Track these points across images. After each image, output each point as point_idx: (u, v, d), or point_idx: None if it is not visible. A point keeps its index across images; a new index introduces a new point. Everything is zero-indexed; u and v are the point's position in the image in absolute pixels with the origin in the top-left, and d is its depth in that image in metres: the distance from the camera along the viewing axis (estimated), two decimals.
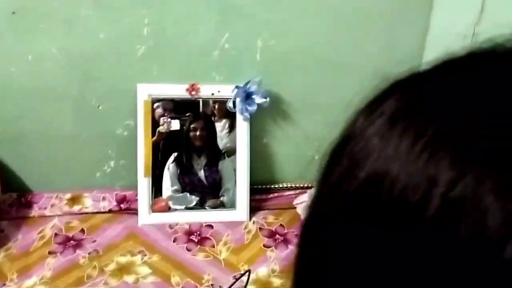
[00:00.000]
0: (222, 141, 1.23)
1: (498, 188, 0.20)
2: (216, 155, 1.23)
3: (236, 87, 1.18)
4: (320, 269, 0.29)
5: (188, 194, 1.22)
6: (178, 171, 1.22)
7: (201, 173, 1.24)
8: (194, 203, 1.23)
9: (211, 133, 1.23)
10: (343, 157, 0.28)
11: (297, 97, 1.26)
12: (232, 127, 1.22)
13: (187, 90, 1.19)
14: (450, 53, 0.27)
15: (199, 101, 1.21)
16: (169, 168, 1.21)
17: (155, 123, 1.20)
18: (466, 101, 0.23)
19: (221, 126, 1.23)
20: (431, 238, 0.21)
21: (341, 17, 1.19)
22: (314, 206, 0.30)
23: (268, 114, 1.27)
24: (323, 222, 0.28)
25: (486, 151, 0.21)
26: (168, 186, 1.21)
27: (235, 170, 1.23)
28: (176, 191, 1.22)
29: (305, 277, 0.31)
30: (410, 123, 0.24)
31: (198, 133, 1.22)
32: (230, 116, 1.22)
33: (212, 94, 1.20)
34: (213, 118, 1.22)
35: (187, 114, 1.21)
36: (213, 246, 1.15)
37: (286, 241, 1.17)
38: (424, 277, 0.22)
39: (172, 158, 1.21)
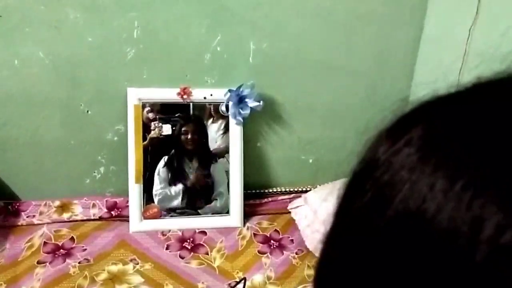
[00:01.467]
0: (216, 142, 1.21)
1: None
2: (208, 159, 1.21)
3: (229, 90, 1.16)
4: None
5: (180, 197, 1.20)
6: (169, 175, 1.19)
7: (193, 177, 1.21)
8: (187, 207, 1.20)
9: (203, 136, 1.20)
10: (367, 185, 0.26)
11: (290, 100, 1.25)
12: (227, 128, 1.20)
13: (179, 94, 1.17)
14: (480, 77, 0.25)
15: (189, 104, 1.18)
16: (159, 172, 1.19)
17: (145, 127, 1.17)
18: (507, 134, 0.21)
19: (216, 126, 1.20)
20: (478, 286, 0.19)
21: (334, 20, 1.17)
22: (336, 234, 0.28)
23: (261, 117, 1.25)
24: (348, 255, 0.26)
25: None
26: (159, 190, 1.19)
27: (226, 172, 1.21)
28: (167, 194, 1.20)
29: None
30: (445, 158, 0.22)
31: (189, 136, 1.20)
32: (226, 117, 1.20)
33: (204, 97, 1.18)
34: (211, 120, 1.20)
35: (177, 115, 1.18)
36: (207, 253, 1.12)
37: (281, 247, 1.15)
38: None
39: (162, 162, 1.19)
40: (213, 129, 1.20)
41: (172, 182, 1.20)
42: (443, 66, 1.16)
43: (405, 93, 1.29)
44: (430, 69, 1.22)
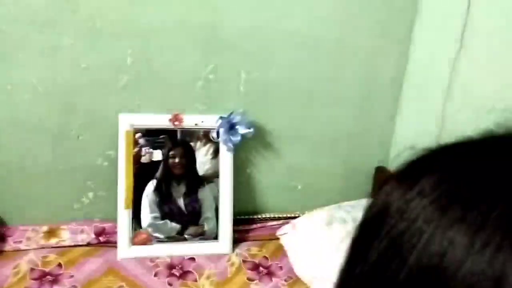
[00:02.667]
0: (204, 166, 1.21)
1: None
2: (196, 183, 1.22)
3: (220, 117, 1.18)
4: None
5: (168, 222, 1.20)
6: (158, 198, 1.19)
7: (180, 201, 1.21)
8: (175, 231, 1.20)
9: (191, 160, 1.21)
10: (381, 232, 0.26)
11: (280, 128, 1.27)
12: (216, 153, 1.21)
13: (171, 120, 1.18)
14: (488, 130, 0.26)
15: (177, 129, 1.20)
16: (148, 196, 1.19)
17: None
18: None
19: (205, 150, 1.21)
20: None
21: (323, 51, 1.21)
22: (352, 281, 0.28)
23: (252, 144, 1.26)
24: None
25: None
26: (147, 214, 1.19)
27: (214, 197, 1.22)
28: (155, 218, 1.19)
29: None
30: (463, 211, 0.22)
31: (177, 160, 1.20)
32: (215, 142, 1.21)
33: (196, 124, 1.20)
34: (199, 143, 1.20)
35: (161, 137, 1.18)
36: (196, 280, 1.12)
37: (270, 274, 1.15)
38: None
39: (150, 185, 1.19)
40: (202, 153, 1.21)
41: (160, 205, 1.20)
42: (427, 96, 1.20)
43: (391, 122, 1.32)
44: (415, 98, 1.26)
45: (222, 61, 1.17)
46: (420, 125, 1.24)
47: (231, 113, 1.18)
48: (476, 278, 0.21)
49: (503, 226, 0.21)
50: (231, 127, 1.18)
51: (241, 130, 1.18)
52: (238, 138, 1.18)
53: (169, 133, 1.19)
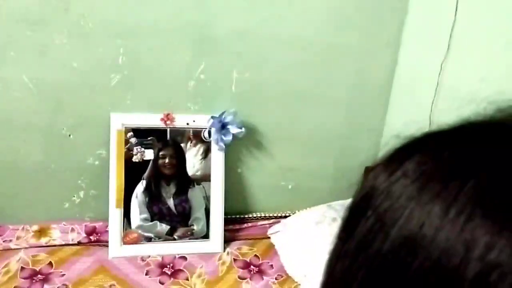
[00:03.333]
0: (194, 167, 1.22)
1: None
2: (185, 183, 1.22)
3: (212, 117, 1.19)
4: None
5: (158, 223, 1.20)
6: (147, 199, 1.20)
7: (170, 202, 1.22)
8: (165, 232, 1.20)
9: (181, 160, 1.21)
10: (368, 211, 0.29)
11: (271, 128, 1.28)
12: (206, 153, 1.22)
13: (162, 119, 1.19)
14: (464, 119, 0.29)
15: (167, 128, 1.20)
16: (137, 196, 1.19)
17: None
18: (491, 168, 0.25)
19: (195, 151, 1.22)
20: None
21: (314, 52, 1.22)
22: (340, 259, 0.31)
23: (243, 144, 1.27)
24: (352, 276, 0.29)
25: None
26: (136, 215, 1.19)
27: (204, 198, 1.22)
28: (145, 219, 1.20)
29: None
30: (440, 187, 0.25)
31: (167, 160, 1.21)
32: (206, 142, 1.22)
33: (187, 124, 1.20)
34: (190, 144, 1.21)
35: (149, 138, 1.19)
36: (187, 279, 1.12)
37: (261, 272, 1.16)
38: None
39: (140, 186, 1.19)
40: (192, 154, 1.22)
41: (149, 206, 1.20)
42: (416, 96, 1.22)
43: (381, 123, 1.34)
44: (404, 99, 1.28)
45: (214, 61, 1.17)
46: (409, 126, 1.25)
47: (223, 113, 1.18)
48: (450, 243, 0.23)
49: (473, 198, 0.24)
50: (223, 127, 1.19)
51: (233, 129, 1.19)
52: (230, 137, 1.19)
53: (159, 134, 1.19)
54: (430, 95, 1.14)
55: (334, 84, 1.27)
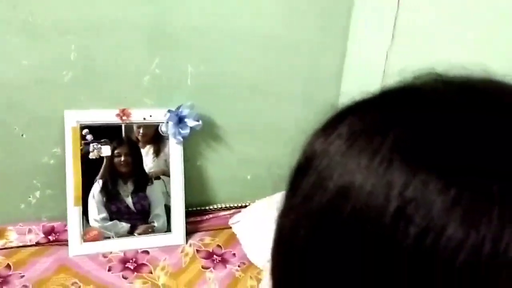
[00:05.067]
0: (147, 166, 1.22)
1: (440, 185, 0.26)
2: (143, 180, 1.22)
3: (169, 111, 1.19)
4: (296, 276, 0.33)
5: (117, 222, 1.20)
6: (104, 198, 1.19)
7: (129, 200, 1.21)
8: (125, 231, 1.20)
9: (137, 158, 1.21)
10: (309, 172, 0.33)
11: (228, 121, 1.30)
12: (158, 152, 1.22)
13: (118, 115, 1.18)
14: (385, 87, 0.35)
15: (121, 126, 1.20)
16: (94, 196, 1.18)
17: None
18: (406, 123, 0.30)
19: (145, 152, 1.22)
20: (392, 232, 0.27)
21: (268, 45, 1.25)
22: (287, 215, 0.34)
23: (201, 137, 1.29)
24: (298, 228, 0.32)
25: (428, 159, 0.28)
26: (95, 215, 1.18)
27: (164, 193, 1.23)
28: (104, 219, 1.19)
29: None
30: (366, 143, 0.30)
31: (122, 158, 1.20)
32: (155, 141, 1.22)
33: (144, 118, 1.21)
34: (144, 141, 1.21)
35: (102, 140, 1.18)
36: (151, 272, 1.13)
37: (224, 261, 1.19)
38: (388, 268, 0.27)
39: (96, 185, 1.18)
40: (148, 150, 1.22)
41: (107, 205, 1.19)
42: (364, 84, 1.28)
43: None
44: (354, 86, 1.33)
45: (168, 56, 1.18)
46: None
47: (179, 107, 1.20)
48: (375, 186, 0.28)
49: (392, 148, 0.29)
50: (180, 120, 1.20)
51: (190, 123, 1.20)
52: (187, 131, 1.20)
53: (114, 131, 1.19)
54: (378, 82, 1.19)
55: (287, 77, 1.31)
